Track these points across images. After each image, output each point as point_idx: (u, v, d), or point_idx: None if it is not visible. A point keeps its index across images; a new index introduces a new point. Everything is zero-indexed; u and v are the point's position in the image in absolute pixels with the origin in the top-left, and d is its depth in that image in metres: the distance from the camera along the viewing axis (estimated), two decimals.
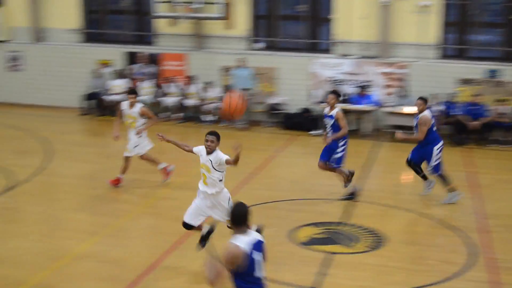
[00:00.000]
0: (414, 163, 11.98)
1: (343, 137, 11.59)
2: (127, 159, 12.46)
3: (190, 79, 19.04)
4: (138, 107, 12.30)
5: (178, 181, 12.91)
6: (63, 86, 20.48)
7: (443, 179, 11.79)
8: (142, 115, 12.30)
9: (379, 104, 17.43)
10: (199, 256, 9.13)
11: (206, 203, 8.65)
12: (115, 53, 20.03)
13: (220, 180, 8.58)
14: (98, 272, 8.65)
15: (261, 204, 11.58)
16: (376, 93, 17.69)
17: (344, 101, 17.55)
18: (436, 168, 11.70)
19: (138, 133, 12.25)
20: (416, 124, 11.78)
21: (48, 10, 20.76)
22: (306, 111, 18.19)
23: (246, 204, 5.81)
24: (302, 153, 15.77)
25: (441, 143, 11.70)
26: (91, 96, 19.62)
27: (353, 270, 8.84)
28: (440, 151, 11.64)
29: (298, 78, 18.43)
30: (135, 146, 12.45)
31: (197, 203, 8.74)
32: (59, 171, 13.62)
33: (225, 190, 8.67)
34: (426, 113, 11.65)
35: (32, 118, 19.25)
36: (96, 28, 20.97)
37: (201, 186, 8.68)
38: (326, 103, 11.81)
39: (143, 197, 11.97)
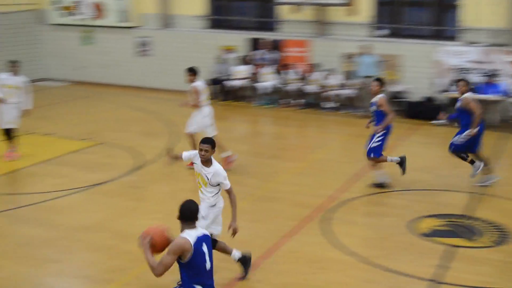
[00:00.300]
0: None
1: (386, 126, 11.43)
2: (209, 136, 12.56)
3: (312, 66, 19.04)
4: (191, 85, 12.56)
5: (299, 166, 13.05)
6: None
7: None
8: (192, 93, 12.53)
9: (507, 94, 16.75)
10: (318, 241, 9.22)
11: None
12: (239, 39, 20.36)
13: (216, 194, 7.85)
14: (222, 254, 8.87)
15: (381, 193, 11.48)
16: (504, 82, 16.99)
17: (470, 90, 17.01)
18: (452, 145, 11.64)
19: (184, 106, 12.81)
20: (459, 108, 11.58)
21: None
22: (429, 100, 17.77)
23: (195, 202, 6.21)
24: (424, 143, 15.44)
25: (475, 129, 11.30)
26: (214, 81, 20.07)
27: (477, 264, 8.60)
28: (467, 135, 11.37)
29: (422, 66, 17.99)
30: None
31: None
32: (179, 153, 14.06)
33: (221, 201, 7.97)
34: (468, 94, 11.58)
35: (159, 101, 19.96)
36: (220, 14, 21.40)
37: (199, 192, 7.97)
38: (371, 90, 11.75)
39: (264, 181, 12.16)
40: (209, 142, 7.65)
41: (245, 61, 19.84)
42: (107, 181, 12.00)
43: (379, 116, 11.43)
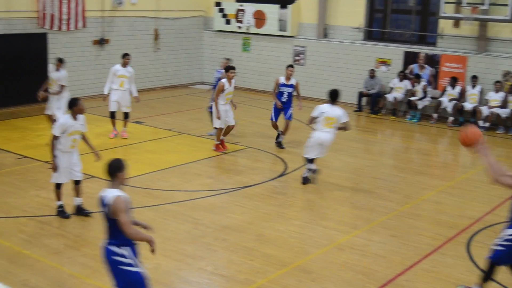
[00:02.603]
0: None
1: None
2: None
3: (473, 82, 18.34)
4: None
5: (445, 185, 12.72)
6: (340, 81, 21.09)
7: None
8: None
9: None
10: (458, 263, 8.96)
11: (71, 160, 10.11)
12: (395, 53, 20.14)
13: None
14: (356, 264, 8.88)
15: None
16: None
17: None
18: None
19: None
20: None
21: (335, 8, 21.50)
22: None
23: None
24: None
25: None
26: (366, 94, 20.01)
27: None
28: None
29: None
30: None
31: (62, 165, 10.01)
32: (328, 163, 14.15)
33: None
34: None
35: (309, 110, 20.11)
36: (378, 27, 21.28)
37: (70, 149, 10.04)
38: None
39: (407, 197, 11.97)
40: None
41: (400, 75, 19.56)
42: (252, 184, 12.34)
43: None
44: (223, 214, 10.72)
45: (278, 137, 15.24)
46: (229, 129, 14.62)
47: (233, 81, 14.15)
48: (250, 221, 10.49)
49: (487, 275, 7.78)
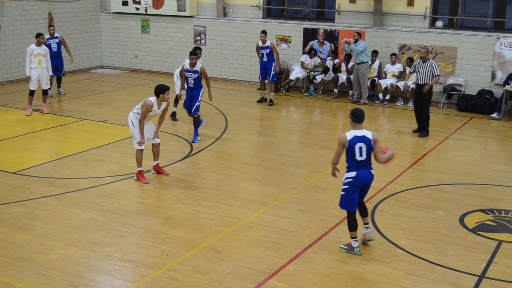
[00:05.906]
0: None
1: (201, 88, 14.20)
2: None
3: (373, 56, 18.74)
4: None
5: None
6: (242, 60, 21.17)
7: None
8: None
9: None
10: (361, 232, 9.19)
11: None
12: (294, 29, 20.32)
13: None
14: (265, 240, 8.97)
15: (429, 186, 11.37)
16: None
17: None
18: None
19: None
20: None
21: None
22: (486, 93, 17.40)
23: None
24: (477, 137, 15.13)
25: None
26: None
27: None
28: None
29: (480, 58, 17.66)
30: None
31: None
32: (233, 142, 14.17)
33: None
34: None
35: (212, 90, 20.03)
36: (277, 4, 21.38)
37: None
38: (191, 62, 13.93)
39: (313, 172, 12.16)
40: None
41: (303, 52, 19.78)
42: None
43: (199, 81, 14.06)
44: (129, 199, 10.56)
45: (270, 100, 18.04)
46: (156, 149, 11.79)
47: (163, 104, 11.35)
48: (157, 204, 10.39)
49: (350, 224, 8.59)
